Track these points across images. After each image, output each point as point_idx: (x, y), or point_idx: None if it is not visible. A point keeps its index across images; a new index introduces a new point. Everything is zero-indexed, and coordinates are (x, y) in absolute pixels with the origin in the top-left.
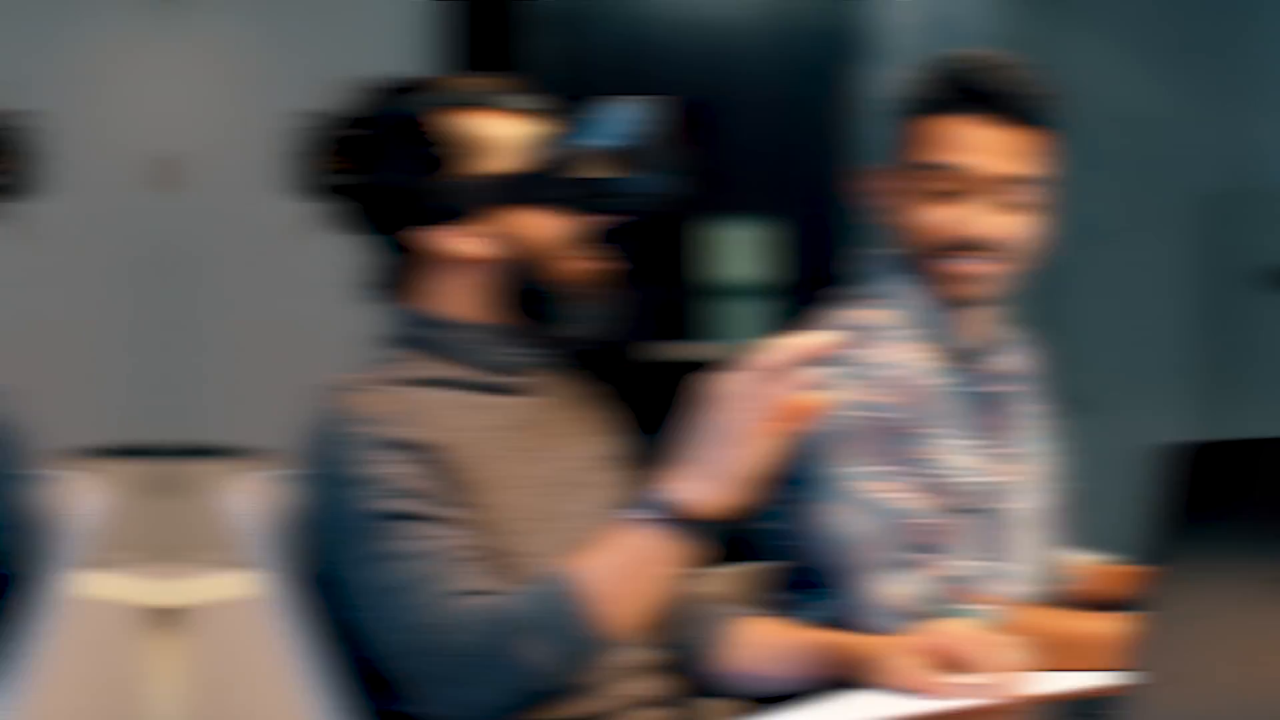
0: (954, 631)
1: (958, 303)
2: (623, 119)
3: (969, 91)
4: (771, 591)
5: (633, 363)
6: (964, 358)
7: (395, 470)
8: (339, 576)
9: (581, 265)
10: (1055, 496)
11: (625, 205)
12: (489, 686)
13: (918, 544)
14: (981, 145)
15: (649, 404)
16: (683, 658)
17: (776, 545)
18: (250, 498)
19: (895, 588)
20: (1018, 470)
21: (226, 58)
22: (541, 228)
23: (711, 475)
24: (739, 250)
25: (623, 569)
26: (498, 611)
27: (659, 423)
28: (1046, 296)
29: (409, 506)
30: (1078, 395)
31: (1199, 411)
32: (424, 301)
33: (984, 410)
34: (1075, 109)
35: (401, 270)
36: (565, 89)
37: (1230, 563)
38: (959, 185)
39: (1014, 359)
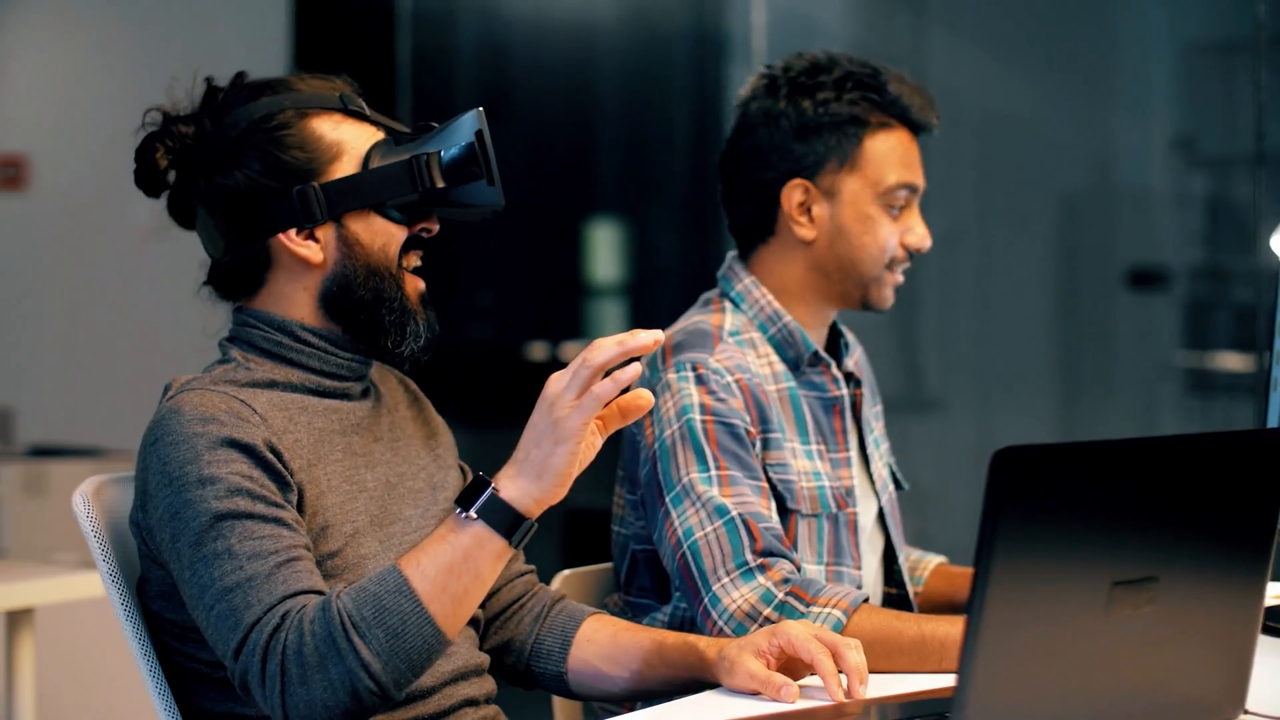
0: (796, 632)
1: (882, 309)
2: (461, 128)
3: (899, 105)
4: (619, 592)
5: (517, 364)
6: (812, 361)
7: (229, 470)
8: (174, 576)
9: (413, 280)
10: (897, 498)
11: (461, 214)
12: (325, 686)
13: (760, 548)
14: (916, 159)
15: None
16: (527, 657)
17: (625, 547)
18: (90, 498)
19: (738, 591)
20: (861, 473)
21: (80, 51)
22: (379, 234)
23: (534, 473)
24: (603, 249)
25: (450, 566)
26: (331, 610)
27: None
28: (905, 297)
29: (242, 506)
30: (934, 396)
31: (1057, 412)
32: (264, 304)
33: (827, 414)
34: (939, 110)
35: (243, 272)
36: (426, 88)
37: (1049, 565)
38: (910, 199)
39: (855, 361)
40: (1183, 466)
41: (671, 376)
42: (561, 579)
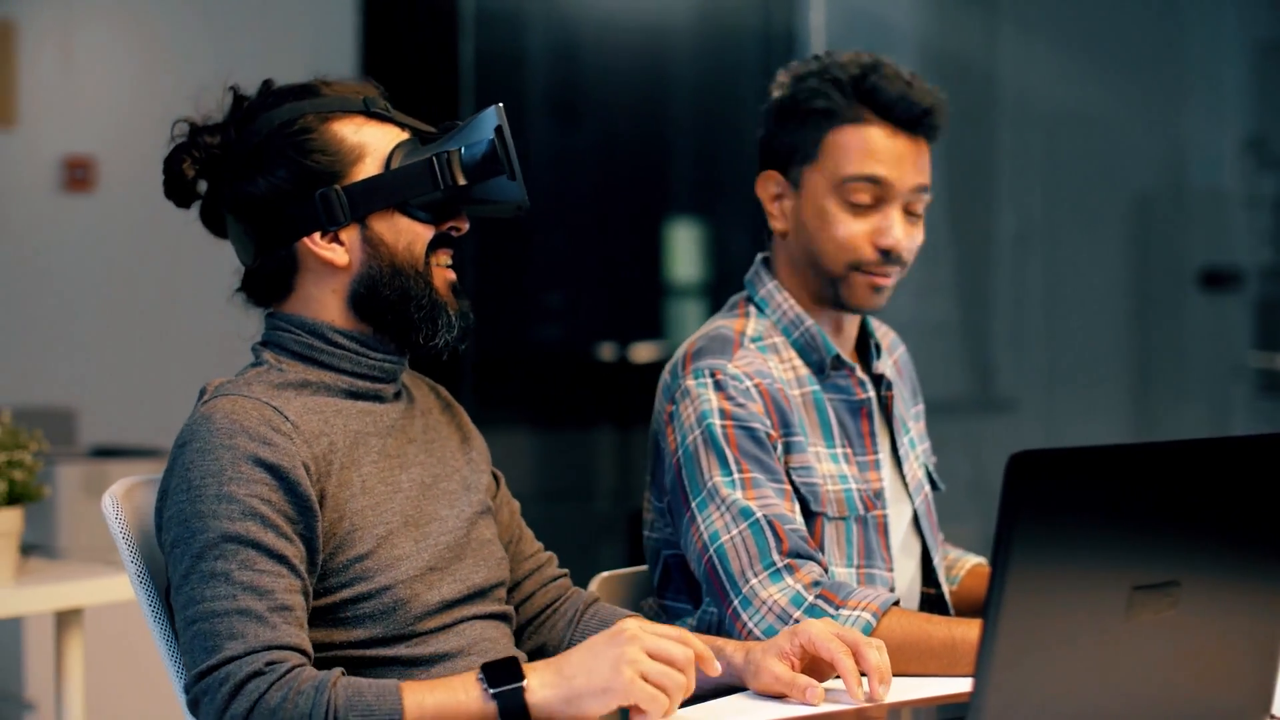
0: (817, 631)
1: (859, 311)
2: (481, 125)
3: (876, 100)
4: (654, 596)
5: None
6: (835, 365)
7: (249, 491)
8: (168, 574)
9: (442, 272)
10: (932, 499)
11: (488, 211)
12: None
13: (787, 549)
14: (893, 155)
15: (613, 404)
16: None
17: (657, 551)
18: (120, 499)
19: (767, 593)
20: (894, 475)
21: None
22: (404, 233)
23: (565, 697)
24: (678, 249)
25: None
26: (323, 695)
27: (625, 421)
28: (976, 297)
29: (253, 532)
30: (1006, 396)
31: (1128, 413)
32: (294, 308)
33: (854, 417)
34: (1008, 110)
35: (272, 278)
36: (491, 91)
37: (1067, 569)
38: (879, 196)
39: (888, 363)
40: (1203, 470)
41: (690, 383)
42: (599, 582)
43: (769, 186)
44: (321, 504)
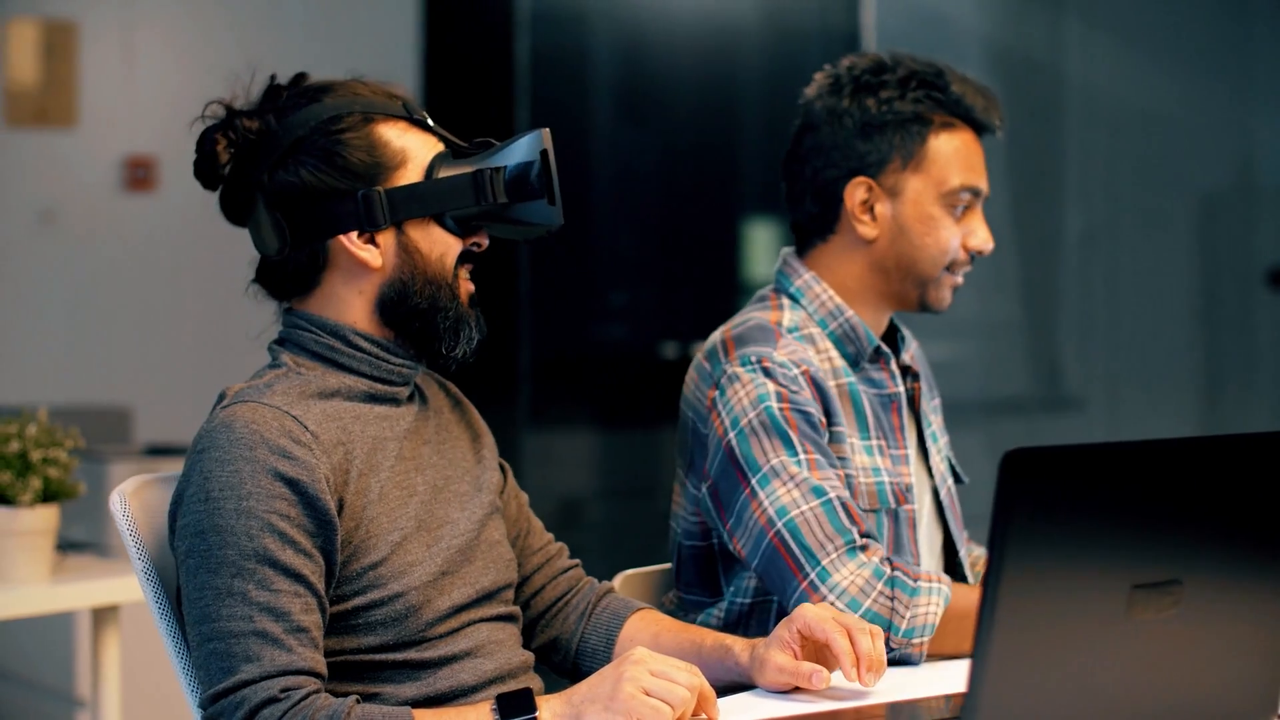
0: (813, 614)
1: (939, 311)
2: (525, 146)
3: (963, 106)
4: (675, 589)
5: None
6: (869, 358)
7: (267, 507)
8: (179, 582)
9: (466, 282)
10: (955, 491)
11: (516, 232)
12: None
13: (863, 529)
14: (981, 161)
15: (676, 404)
16: (574, 655)
17: (676, 543)
18: (128, 497)
19: (847, 568)
20: (919, 468)
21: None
22: (438, 244)
23: None
24: (751, 248)
25: None
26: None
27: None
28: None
29: (271, 549)
30: (1072, 395)
31: (1196, 412)
32: (316, 307)
33: (885, 410)
34: (1074, 108)
35: (298, 272)
36: (549, 90)
37: (1064, 568)
38: (973, 201)
39: (910, 356)
40: (1205, 468)
41: (739, 369)
42: (622, 579)
43: (858, 193)
44: (339, 513)
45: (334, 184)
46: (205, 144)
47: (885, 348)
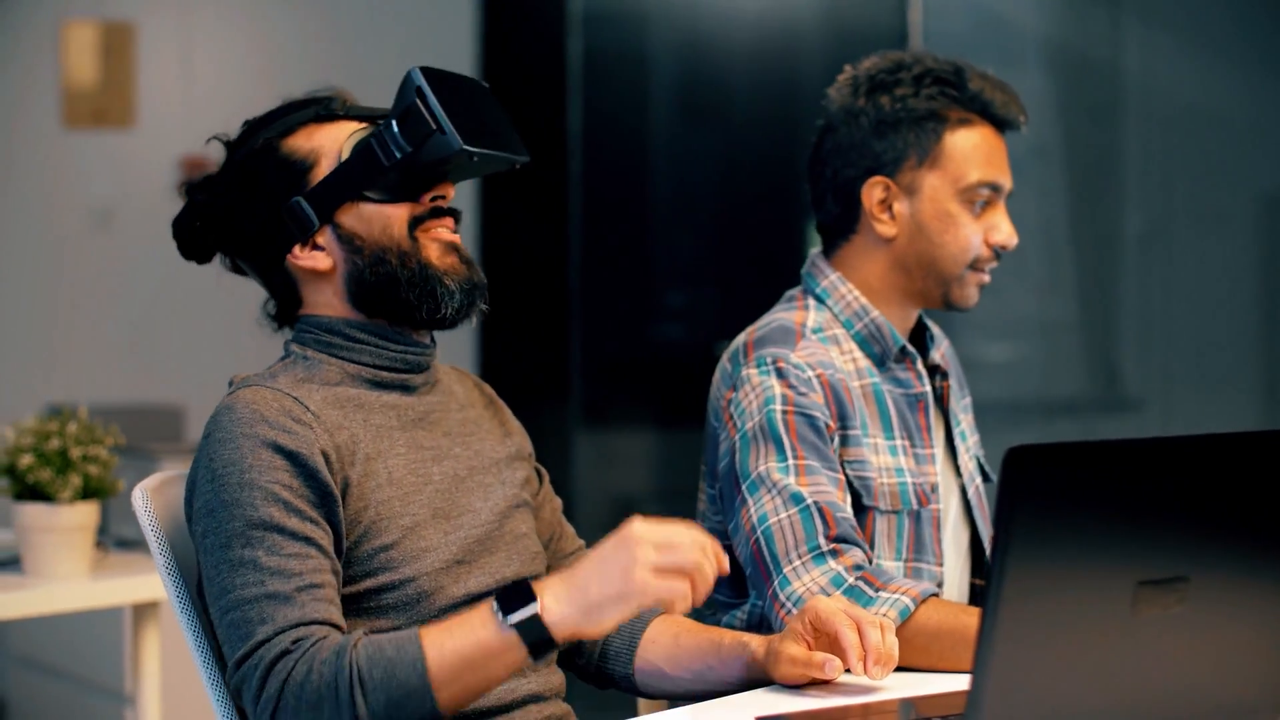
0: (824, 605)
1: (965, 309)
2: (403, 92)
3: (982, 101)
4: None
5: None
6: (895, 358)
7: (270, 478)
8: (200, 566)
9: (432, 242)
10: (984, 490)
11: (463, 173)
12: None
13: (835, 534)
14: (1001, 157)
15: None
16: (597, 658)
17: None
18: (150, 494)
19: (809, 575)
20: (947, 467)
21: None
22: (374, 220)
23: (583, 608)
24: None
25: (470, 660)
26: (345, 658)
27: None
28: (1101, 295)
29: (276, 517)
30: (1132, 396)
31: (1257, 415)
32: (313, 314)
33: (912, 410)
34: (1133, 106)
35: (283, 298)
36: (604, 90)
37: (1068, 565)
38: (993, 197)
39: (941, 354)
40: (1211, 465)
41: (753, 371)
42: None
43: (875, 192)
44: (345, 493)
45: (265, 212)
46: (180, 230)
47: (911, 348)
